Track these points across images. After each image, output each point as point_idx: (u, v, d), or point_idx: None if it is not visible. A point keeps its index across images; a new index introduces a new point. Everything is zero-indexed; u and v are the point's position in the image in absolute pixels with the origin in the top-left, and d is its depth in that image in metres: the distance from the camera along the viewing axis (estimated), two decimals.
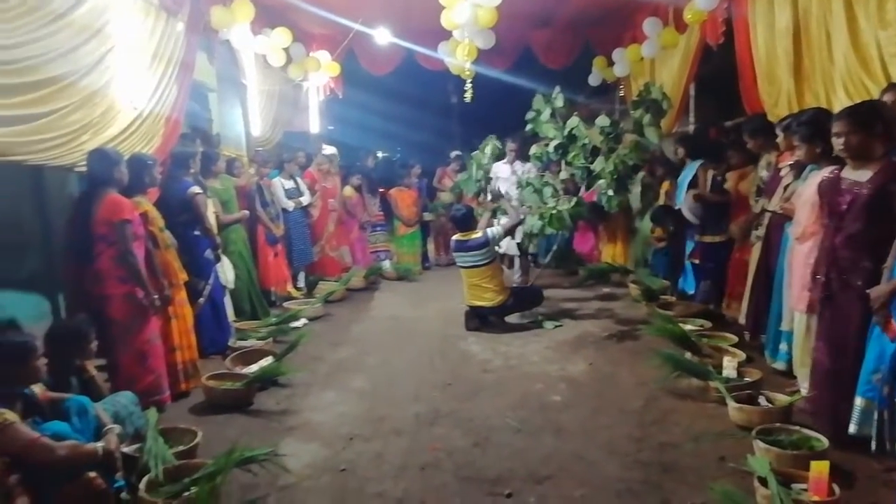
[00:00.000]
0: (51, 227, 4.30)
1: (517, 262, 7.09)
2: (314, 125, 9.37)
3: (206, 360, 4.71)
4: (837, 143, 3.07)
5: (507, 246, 6.58)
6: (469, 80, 6.81)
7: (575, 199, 5.88)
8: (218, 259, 5.04)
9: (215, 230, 5.05)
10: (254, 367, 4.41)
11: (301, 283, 7.28)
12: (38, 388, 2.78)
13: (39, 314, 4.16)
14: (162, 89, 4.72)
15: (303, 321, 5.87)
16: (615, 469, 3.07)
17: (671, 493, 2.83)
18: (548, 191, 5.94)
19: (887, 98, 3.44)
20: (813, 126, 3.56)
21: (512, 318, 5.82)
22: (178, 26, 5.02)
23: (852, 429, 2.91)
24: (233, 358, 4.60)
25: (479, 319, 5.70)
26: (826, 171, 3.34)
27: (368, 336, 5.65)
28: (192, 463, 2.99)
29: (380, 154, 13.83)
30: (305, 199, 7.21)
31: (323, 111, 9.70)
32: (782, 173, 4.20)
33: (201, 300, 4.80)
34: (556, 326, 5.64)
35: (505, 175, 6.93)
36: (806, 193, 3.67)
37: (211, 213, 5.09)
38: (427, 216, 9.08)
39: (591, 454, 3.24)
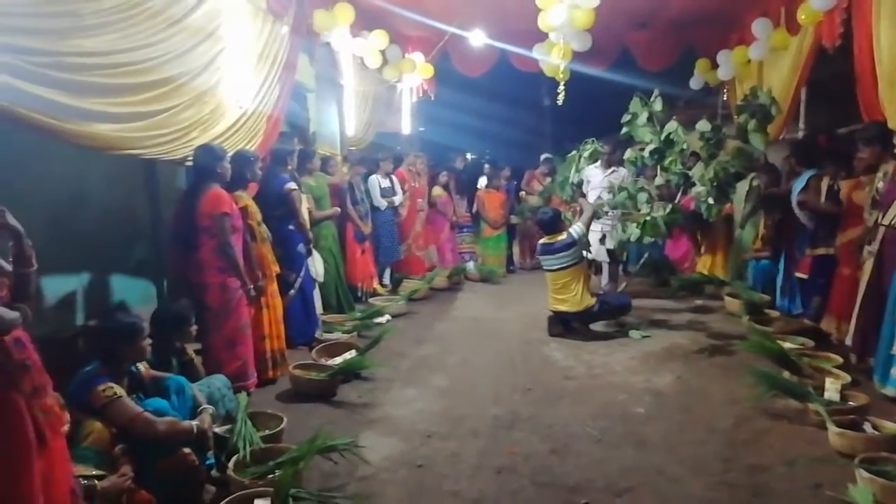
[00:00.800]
0: (160, 218, 4.62)
1: (605, 268, 6.92)
2: (406, 126, 9.54)
3: (294, 350, 4.89)
4: None
5: (597, 252, 6.43)
6: (563, 82, 6.71)
7: (670, 206, 5.67)
8: (309, 253, 5.22)
9: (308, 225, 5.24)
10: (338, 360, 4.54)
11: (386, 281, 7.44)
12: (142, 367, 2.99)
13: (146, 298, 4.48)
14: (266, 89, 4.96)
15: (387, 317, 5.99)
16: (699, 488, 2.94)
17: None
18: (642, 196, 5.75)
19: None
20: None
21: (597, 326, 5.68)
22: (283, 29, 5.26)
23: None
24: (319, 349, 4.76)
25: (563, 325, 5.60)
26: None
27: (450, 335, 5.69)
28: (277, 447, 3.13)
29: (469, 156, 13.94)
30: (398, 199, 7.40)
31: (415, 112, 9.86)
32: None
33: (292, 292, 5.00)
34: (644, 337, 5.45)
35: (597, 179, 6.78)
36: None
37: (304, 208, 5.30)
38: (514, 219, 9.03)
39: (673, 470, 3.11)
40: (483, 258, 8.76)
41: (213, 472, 2.96)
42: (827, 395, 3.67)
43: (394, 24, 7.90)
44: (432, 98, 9.74)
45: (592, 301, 5.54)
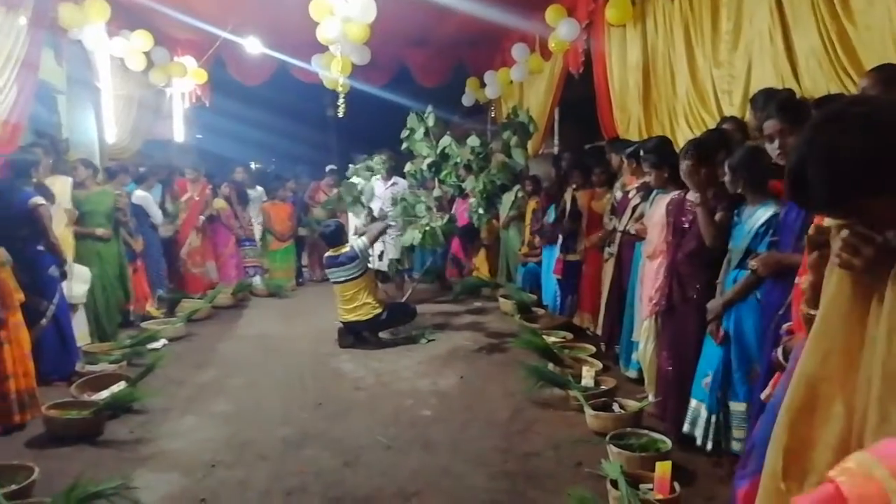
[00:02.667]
0: None
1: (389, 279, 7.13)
2: (178, 133, 8.90)
3: (49, 387, 4.30)
4: (686, 176, 3.35)
5: (377, 265, 6.61)
6: (343, 95, 6.78)
7: (447, 217, 6.01)
8: (63, 276, 4.62)
9: (61, 244, 4.64)
10: (104, 394, 4.07)
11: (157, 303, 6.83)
12: None
13: None
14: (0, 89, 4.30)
15: (162, 342, 5.52)
16: (482, 480, 3.15)
17: (533, 500, 2.95)
18: (420, 207, 6.03)
19: (728, 126, 3.83)
20: (659, 153, 3.88)
21: (385, 334, 5.82)
22: (20, 21, 4.60)
23: (685, 428, 3.21)
24: (79, 384, 4.23)
25: (353, 336, 5.65)
26: (674, 194, 3.65)
27: (235, 356, 5.42)
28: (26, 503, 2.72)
29: (254, 165, 13.41)
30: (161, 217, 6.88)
31: (189, 119, 9.24)
32: (630, 195, 4.55)
33: (43, 322, 4.38)
34: (430, 341, 5.71)
35: (380, 191, 6.95)
36: (656, 215, 4.00)
37: (60, 223, 4.68)
38: (302, 231, 8.88)
39: (458, 467, 3.30)
40: (271, 272, 8.47)
41: None
42: (584, 381, 4.17)
43: (159, 25, 7.34)
44: (208, 105, 9.22)
45: (380, 309, 5.66)
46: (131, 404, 4.05)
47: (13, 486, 2.84)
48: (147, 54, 7.03)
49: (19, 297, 3.95)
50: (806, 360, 1.36)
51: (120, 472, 3.13)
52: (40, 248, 4.37)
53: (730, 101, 4.18)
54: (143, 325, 5.98)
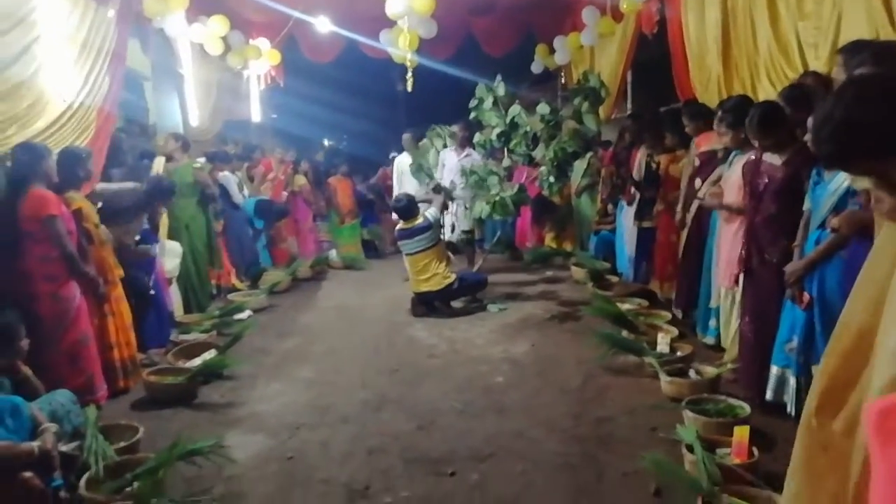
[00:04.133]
0: None
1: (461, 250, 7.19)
2: (255, 114, 9.23)
3: (149, 355, 4.64)
4: (758, 145, 3.26)
5: (453, 234, 6.67)
6: (411, 69, 6.82)
7: (518, 186, 5.99)
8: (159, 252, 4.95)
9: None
10: (197, 361, 4.36)
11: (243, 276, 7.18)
12: None
13: None
14: (93, 80, 4.57)
15: (247, 313, 5.81)
16: (554, 444, 3.20)
17: (606, 464, 2.97)
18: (493, 179, 6.02)
19: (809, 81, 3.64)
20: (736, 113, 3.72)
21: (457, 304, 5.91)
22: (109, 14, 4.87)
23: (769, 395, 3.12)
24: (175, 352, 4.54)
25: (426, 306, 5.77)
26: (750, 155, 3.52)
27: (315, 325, 5.65)
28: (134, 458, 2.97)
29: (326, 142, 13.75)
30: (246, 193, 7.18)
31: (264, 100, 9.56)
32: (719, 154, 4.35)
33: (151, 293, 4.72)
34: (501, 310, 5.76)
35: (452, 162, 6.98)
36: (733, 177, 3.87)
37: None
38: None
39: (531, 432, 3.35)
40: (339, 247, 8.72)
41: (63, 494, 2.76)
42: (659, 348, 4.11)
43: (234, 9, 7.59)
44: (282, 86, 9.50)
45: (452, 279, 5.75)
46: (221, 371, 4.32)
47: (122, 443, 3.12)
48: (224, 39, 7.29)
49: (119, 272, 4.26)
50: (850, 308, 1.40)
51: (213, 433, 3.35)
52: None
53: (815, 54, 3.95)
54: (230, 297, 6.31)
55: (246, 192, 7.16)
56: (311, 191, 8.37)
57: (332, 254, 8.42)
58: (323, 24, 8.16)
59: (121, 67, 5.04)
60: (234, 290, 6.60)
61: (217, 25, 7.03)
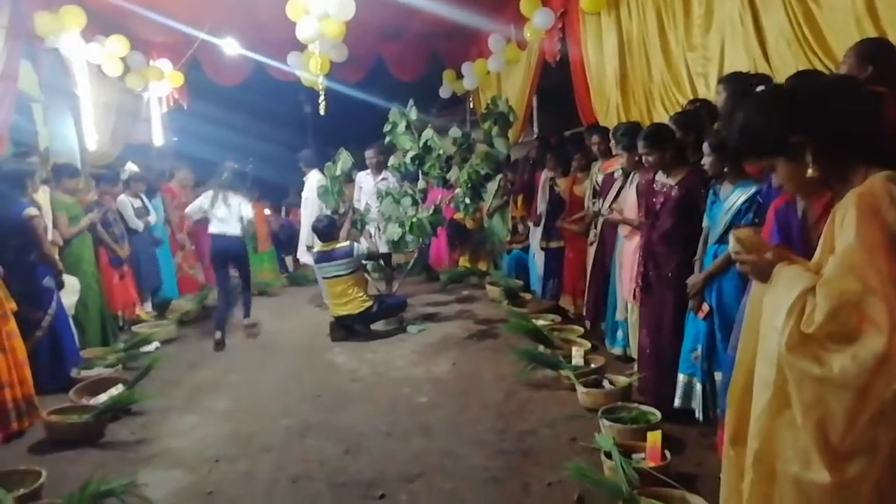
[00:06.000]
0: None
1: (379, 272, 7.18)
2: (157, 137, 8.87)
3: (48, 395, 4.32)
4: (645, 160, 3.55)
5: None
6: (322, 92, 6.81)
7: (433, 208, 6.08)
8: (59, 286, 4.64)
9: (56, 254, 4.66)
10: (103, 397, 4.12)
11: (149, 307, 6.83)
12: None
13: None
14: None
15: (155, 344, 5.55)
16: (480, 460, 3.26)
17: (531, 475, 3.07)
18: (407, 200, 6.09)
19: (697, 107, 3.96)
20: (629, 137, 4.02)
21: (377, 326, 5.90)
22: None
23: (677, 402, 3.33)
24: (77, 389, 4.26)
25: (346, 329, 5.73)
26: (645, 175, 3.79)
27: (230, 355, 5.46)
28: None
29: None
30: (152, 219, 6.84)
31: (166, 123, 9.21)
32: (616, 175, 4.66)
33: (39, 332, 4.41)
34: (421, 331, 5.80)
35: (369, 185, 6.98)
36: (630, 197, 4.15)
37: (50, 233, 4.69)
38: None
39: (457, 449, 3.40)
40: (259, 273, 8.49)
41: None
42: (574, 361, 4.29)
43: (134, 29, 7.32)
44: (185, 108, 9.20)
45: (370, 303, 5.74)
46: (131, 406, 4.10)
47: (23, 490, 2.90)
48: (123, 59, 7.01)
49: (11, 306, 3.96)
50: (741, 347, 1.63)
51: (126, 472, 3.18)
52: (33, 258, 4.38)
53: (705, 83, 4.31)
54: (135, 328, 6.00)
55: (153, 217, 6.84)
56: None
57: None
58: (230, 47, 8.01)
59: (11, 89, 4.75)
60: (139, 321, 6.27)
61: (116, 45, 6.76)
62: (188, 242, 7.63)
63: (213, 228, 5.77)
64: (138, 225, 6.56)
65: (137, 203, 6.71)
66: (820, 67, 3.16)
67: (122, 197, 6.57)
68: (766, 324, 1.47)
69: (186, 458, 3.46)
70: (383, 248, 6.57)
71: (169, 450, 3.58)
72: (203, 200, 5.87)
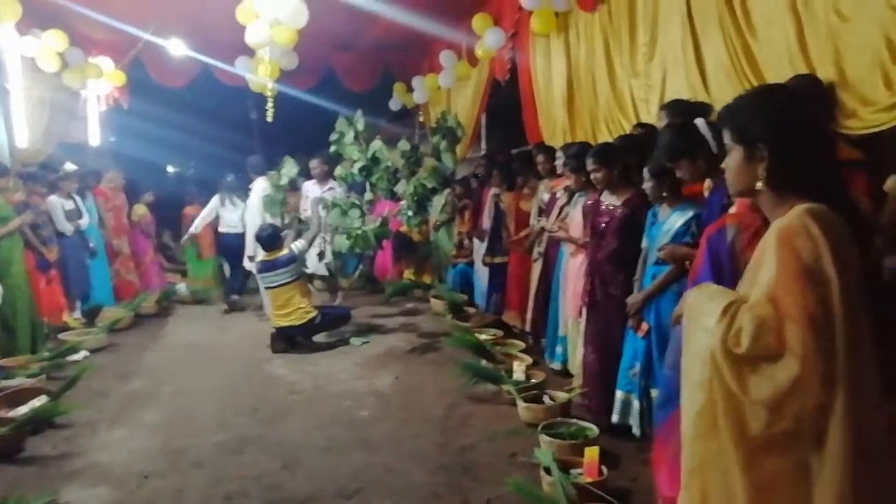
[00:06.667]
0: None
1: (323, 282, 7.10)
2: (94, 137, 8.53)
3: None
4: (593, 176, 3.66)
5: (315, 266, 6.56)
6: (271, 98, 6.70)
7: (380, 220, 6.05)
8: None
9: None
10: (23, 409, 3.90)
11: (78, 314, 6.53)
12: None
13: None
14: None
15: (83, 353, 5.31)
16: (421, 475, 3.24)
17: (471, 491, 3.06)
18: (355, 212, 6.03)
19: (639, 131, 4.10)
20: (578, 158, 4.10)
21: (319, 338, 5.81)
22: None
23: (615, 418, 3.40)
24: None
25: (287, 341, 5.61)
26: (591, 196, 3.88)
27: (163, 365, 5.28)
28: None
29: (170, 169, 12.98)
30: (85, 222, 6.56)
31: (105, 122, 8.87)
32: (558, 195, 4.76)
33: None
34: (364, 343, 5.74)
35: (315, 194, 6.89)
36: (576, 217, 4.24)
37: None
38: None
39: (398, 464, 3.37)
40: (193, 281, 8.26)
41: None
42: (515, 376, 4.32)
43: (74, 25, 7.04)
44: (125, 107, 8.89)
45: (314, 314, 5.65)
46: (54, 419, 3.91)
47: None
48: (61, 55, 6.73)
49: None
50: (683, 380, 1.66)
51: (47, 489, 3.04)
52: None
53: (647, 109, 4.45)
54: (61, 336, 5.72)
55: (86, 219, 6.56)
56: (151, 221, 7.89)
57: (181, 287, 7.94)
58: (176, 47, 7.80)
59: None
60: (67, 328, 5.99)
61: (53, 40, 6.48)
62: (126, 247, 7.36)
63: (222, 227, 7.31)
64: (67, 228, 6.29)
65: (70, 205, 6.44)
66: None
67: (53, 198, 6.30)
68: (692, 323, 1.59)
69: (113, 473, 3.31)
70: (329, 259, 6.50)
71: (95, 465, 3.42)
72: (216, 203, 7.27)
